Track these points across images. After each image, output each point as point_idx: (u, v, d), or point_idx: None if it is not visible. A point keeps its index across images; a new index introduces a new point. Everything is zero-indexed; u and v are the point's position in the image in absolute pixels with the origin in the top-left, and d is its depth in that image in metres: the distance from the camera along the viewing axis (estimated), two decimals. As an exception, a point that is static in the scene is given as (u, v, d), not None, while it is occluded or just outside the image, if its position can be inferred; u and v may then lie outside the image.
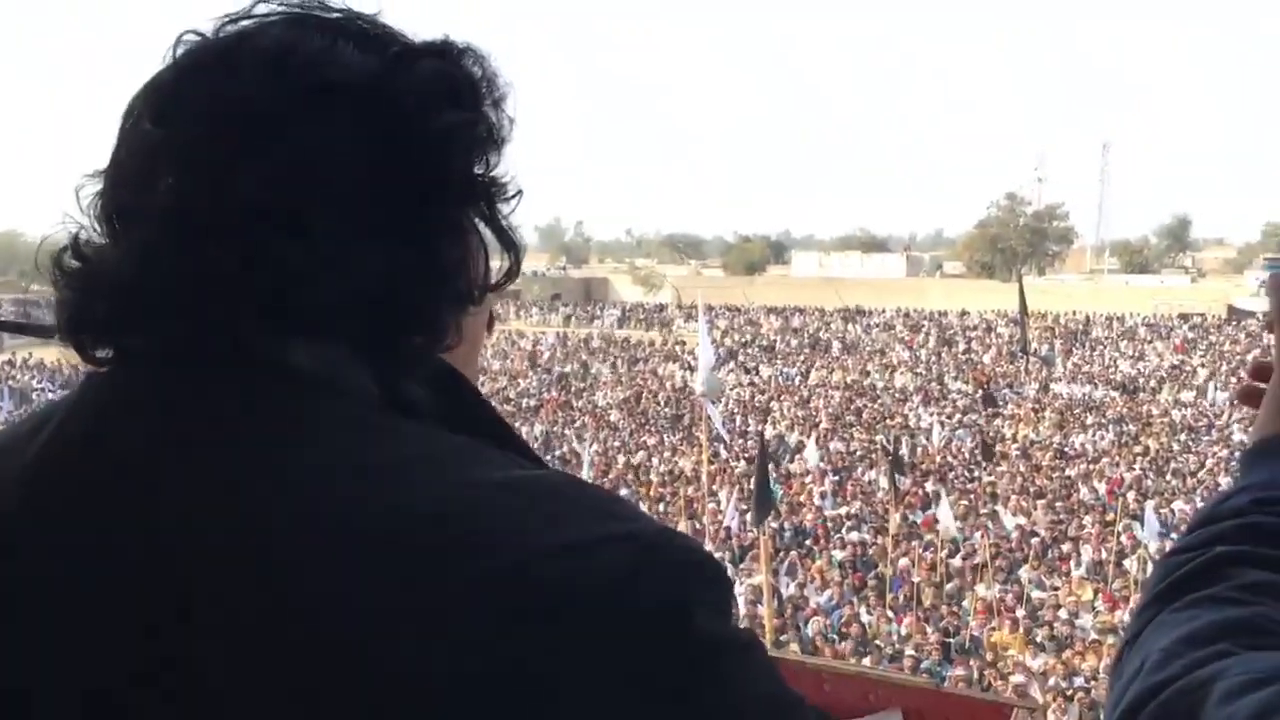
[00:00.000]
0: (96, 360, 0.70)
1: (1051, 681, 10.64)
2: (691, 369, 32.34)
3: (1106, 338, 41.91)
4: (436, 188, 0.70)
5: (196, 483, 0.61)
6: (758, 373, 37.45)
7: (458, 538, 0.58)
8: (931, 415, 27.25)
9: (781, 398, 31.27)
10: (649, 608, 0.58)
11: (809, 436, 23.15)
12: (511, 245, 0.76)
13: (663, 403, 30.26)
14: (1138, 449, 23.45)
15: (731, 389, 32.36)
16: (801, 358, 40.22)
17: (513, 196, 0.75)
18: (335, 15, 0.72)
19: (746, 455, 21.39)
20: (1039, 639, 12.12)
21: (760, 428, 21.77)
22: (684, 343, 40.69)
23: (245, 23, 0.71)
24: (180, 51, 0.71)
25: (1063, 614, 12.95)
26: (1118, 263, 69.22)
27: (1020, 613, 12.92)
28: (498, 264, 0.77)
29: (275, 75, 0.66)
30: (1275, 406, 0.87)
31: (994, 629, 12.62)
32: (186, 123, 0.66)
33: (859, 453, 22.61)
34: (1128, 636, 0.79)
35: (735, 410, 28.39)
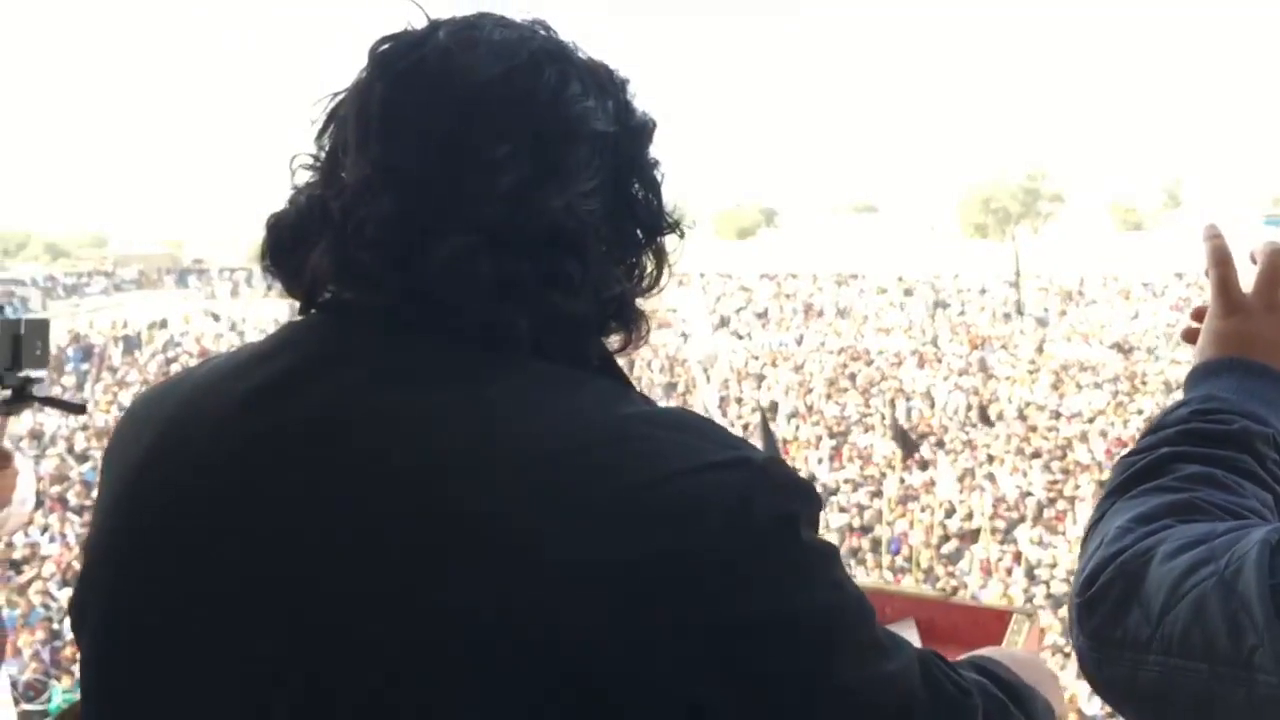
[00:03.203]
0: (308, 304, 0.83)
1: (1049, 639, 10.65)
2: (685, 336, 32.21)
3: (1102, 297, 41.85)
4: (650, 221, 0.86)
5: (388, 417, 0.74)
6: (751, 339, 37.38)
7: (606, 459, 0.71)
8: (927, 378, 27.20)
9: (776, 363, 31.21)
10: (764, 519, 0.71)
11: (803, 400, 23.08)
12: (664, 270, 0.90)
13: (656, 370, 30.21)
14: (1133, 408, 23.43)
15: (726, 355, 32.29)
16: (795, 323, 40.15)
17: (683, 235, 0.90)
18: (568, 51, 0.84)
19: (741, 421, 21.32)
20: (1037, 598, 12.12)
21: (755, 393, 21.64)
22: (675, 310, 40.56)
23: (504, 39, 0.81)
24: (496, 66, 0.79)
25: (1059, 572, 12.94)
26: (1112, 221, 69.10)
27: (1019, 572, 12.91)
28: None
29: (560, 119, 0.80)
30: (1208, 338, 1.07)
31: (1000, 590, 12.59)
32: (494, 146, 0.77)
33: (854, 417, 22.56)
34: (1090, 522, 0.95)
35: (729, 377, 28.32)
